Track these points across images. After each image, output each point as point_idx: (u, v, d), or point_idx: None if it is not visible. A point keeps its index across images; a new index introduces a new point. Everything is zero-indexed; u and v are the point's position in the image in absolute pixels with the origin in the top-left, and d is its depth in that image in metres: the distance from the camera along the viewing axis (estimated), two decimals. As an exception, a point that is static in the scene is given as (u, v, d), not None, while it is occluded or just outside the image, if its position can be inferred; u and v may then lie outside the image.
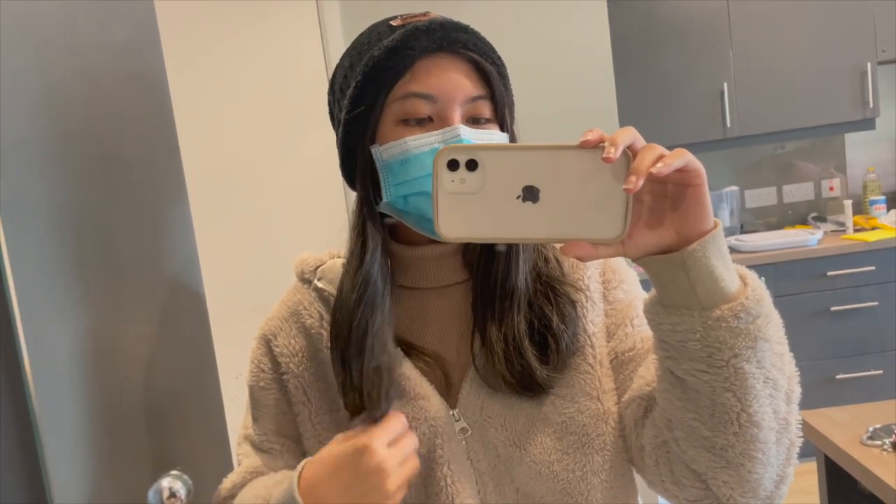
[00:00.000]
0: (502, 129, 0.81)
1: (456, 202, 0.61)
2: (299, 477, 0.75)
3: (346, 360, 0.80)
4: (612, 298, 0.86)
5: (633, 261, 0.66)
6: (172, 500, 0.72)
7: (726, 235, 3.47)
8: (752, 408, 0.66)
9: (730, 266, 0.65)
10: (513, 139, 0.82)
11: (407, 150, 0.76)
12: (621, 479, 0.83)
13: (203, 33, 2.30)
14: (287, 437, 0.88)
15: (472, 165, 0.60)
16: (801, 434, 0.72)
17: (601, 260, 0.88)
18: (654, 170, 0.58)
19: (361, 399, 0.77)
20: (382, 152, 0.78)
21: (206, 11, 2.30)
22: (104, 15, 0.81)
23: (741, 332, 0.64)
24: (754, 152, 3.76)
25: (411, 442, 0.76)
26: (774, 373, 0.67)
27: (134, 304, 0.81)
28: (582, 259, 0.63)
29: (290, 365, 0.86)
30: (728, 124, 3.40)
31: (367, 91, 0.78)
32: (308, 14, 2.38)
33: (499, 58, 0.82)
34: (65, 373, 0.69)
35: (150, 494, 0.74)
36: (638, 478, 0.88)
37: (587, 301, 0.85)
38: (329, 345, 0.82)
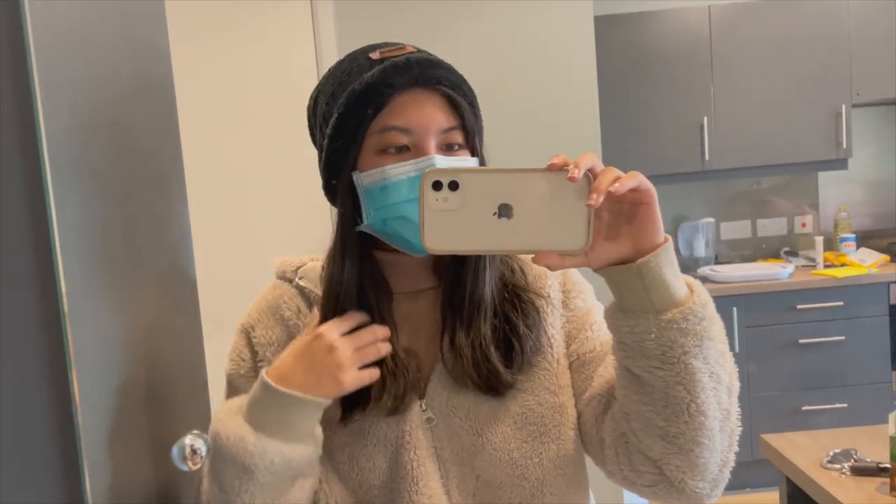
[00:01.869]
0: (473, 153, 0.88)
1: (440, 219, 0.69)
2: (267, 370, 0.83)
3: None
4: (573, 306, 0.95)
5: (595, 270, 0.74)
6: (194, 455, 0.79)
7: (701, 266, 3.59)
8: (700, 398, 0.75)
9: (678, 275, 0.74)
10: (482, 161, 0.89)
11: (386, 177, 0.83)
12: (573, 467, 0.90)
13: (196, 32, 2.32)
14: None
15: (453, 186, 0.69)
16: (740, 424, 0.81)
17: (561, 272, 0.96)
18: (612, 188, 0.67)
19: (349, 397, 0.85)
20: (363, 178, 0.85)
21: (200, 10, 2.33)
22: (124, 17, 0.86)
23: (690, 332, 0.73)
24: (731, 186, 3.87)
25: (370, 335, 0.84)
26: (717, 368, 0.77)
27: (150, 289, 0.89)
28: (551, 268, 0.71)
29: (267, 353, 0.92)
30: (707, 157, 3.50)
31: (349, 123, 0.85)
32: (301, 14, 2.41)
33: (470, 89, 0.89)
34: (101, 344, 0.76)
35: (174, 450, 0.80)
36: (593, 482, 0.95)
37: (548, 307, 0.93)
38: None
